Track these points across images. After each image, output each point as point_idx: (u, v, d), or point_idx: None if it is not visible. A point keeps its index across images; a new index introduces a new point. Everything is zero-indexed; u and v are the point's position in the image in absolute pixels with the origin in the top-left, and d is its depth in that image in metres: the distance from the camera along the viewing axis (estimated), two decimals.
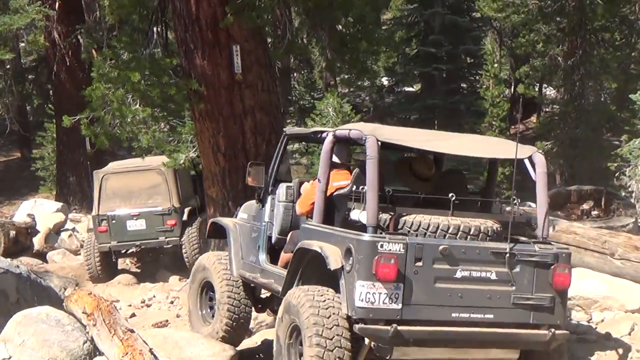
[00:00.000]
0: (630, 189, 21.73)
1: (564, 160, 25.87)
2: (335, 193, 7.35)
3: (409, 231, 6.52)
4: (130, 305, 12.76)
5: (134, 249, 15.87)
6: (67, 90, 21.66)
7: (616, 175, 22.51)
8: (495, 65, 27.80)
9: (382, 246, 6.06)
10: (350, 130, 7.15)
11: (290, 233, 7.89)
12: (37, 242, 18.69)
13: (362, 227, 6.49)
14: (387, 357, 6.37)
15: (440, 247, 6.28)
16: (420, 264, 6.21)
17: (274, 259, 8.10)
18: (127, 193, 15.29)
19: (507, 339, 6.68)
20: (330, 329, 6.21)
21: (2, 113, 27.40)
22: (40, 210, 20.99)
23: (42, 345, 7.53)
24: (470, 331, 6.45)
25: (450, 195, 6.69)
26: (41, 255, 17.83)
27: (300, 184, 8.22)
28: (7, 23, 21.72)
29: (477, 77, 28.23)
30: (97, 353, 7.72)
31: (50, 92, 25.00)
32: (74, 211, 21.41)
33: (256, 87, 11.54)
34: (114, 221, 15.16)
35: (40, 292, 10.01)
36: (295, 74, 17.66)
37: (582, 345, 8.11)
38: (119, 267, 16.09)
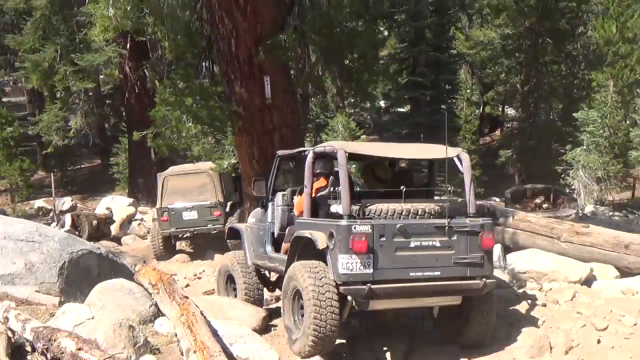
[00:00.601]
0: (572, 187, 21.80)
1: (521, 165, 25.71)
2: (318, 195, 7.80)
3: (373, 216, 7.11)
4: (185, 278, 12.66)
5: (188, 234, 15.86)
6: (136, 112, 21.77)
7: (562, 176, 22.54)
8: (468, 91, 27.71)
9: (355, 228, 6.63)
10: (325, 147, 7.82)
11: (288, 228, 8.14)
12: (114, 229, 18.81)
13: (340, 217, 6.94)
14: (365, 309, 7.01)
15: (397, 226, 6.88)
16: (383, 239, 6.77)
17: (277, 249, 8.39)
18: (183, 190, 15.31)
19: (452, 289, 7.15)
20: (323, 291, 6.70)
21: (86, 130, 27.44)
22: (116, 204, 21.11)
23: (118, 308, 7.46)
24: (424, 285, 6.95)
25: (401, 187, 7.32)
26: (117, 239, 17.91)
27: (292, 192, 8.49)
28: (90, 60, 21.99)
29: (454, 100, 28.05)
30: (160, 314, 7.70)
31: (123, 113, 24.97)
32: (142, 205, 21.50)
33: (282, 109, 11.49)
34: (173, 212, 15.16)
35: (116, 268, 9.93)
36: (312, 98, 17.69)
37: (533, 308, 8.11)
38: (177, 248, 16.13)
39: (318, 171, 7.92)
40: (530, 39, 26.30)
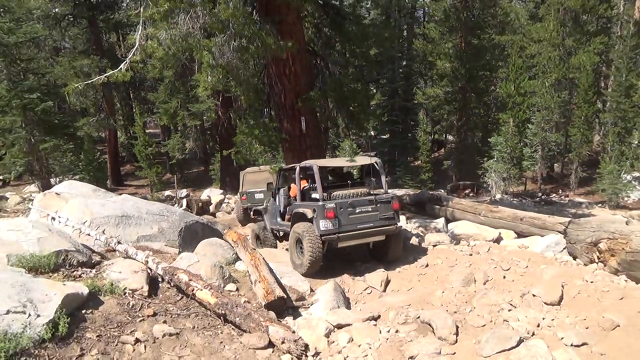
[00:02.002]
0: (488, 183, 21.63)
1: (457, 170, 25.46)
2: (303, 188, 8.57)
3: (335, 198, 7.89)
4: None
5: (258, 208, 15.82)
6: (225, 138, 21.77)
7: (481, 176, 22.37)
8: (424, 125, 27.61)
9: (326, 206, 7.51)
10: (306, 164, 8.36)
11: (288, 207, 8.77)
12: (211, 208, 19.00)
13: (317, 200, 7.77)
14: (336, 247, 7.74)
15: (348, 202, 7.72)
16: (342, 209, 7.62)
17: (282, 219, 9.05)
18: (254, 181, 15.23)
19: (379, 232, 7.91)
20: (314, 238, 7.48)
21: (195, 149, 27.72)
22: (212, 193, 21.27)
23: (213, 256, 7.61)
24: (365, 231, 7.75)
25: (348, 181, 8.67)
26: (213, 214, 18.11)
27: (289, 187, 9.15)
28: (198, 107, 22.24)
29: (416, 131, 27.95)
30: (238, 259, 7.76)
31: (217, 139, 25.14)
32: (228, 194, 21.68)
33: (312, 137, 11.40)
34: (248, 194, 14.93)
35: (212, 231, 10.03)
36: (330, 130, 17.73)
37: (464, 257, 7.99)
38: (251, 217, 16.21)
39: (302, 176, 8.62)
40: (461, 94, 26.09)
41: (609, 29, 26.42)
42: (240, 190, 15.64)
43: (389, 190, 8.65)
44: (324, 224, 7.46)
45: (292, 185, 8.95)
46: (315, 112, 12.01)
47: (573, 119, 23.26)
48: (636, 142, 21.57)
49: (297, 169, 8.43)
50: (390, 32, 15.96)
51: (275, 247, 9.42)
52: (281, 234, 9.54)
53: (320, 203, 7.57)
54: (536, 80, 23.43)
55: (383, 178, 8.39)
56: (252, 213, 11.32)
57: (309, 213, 7.70)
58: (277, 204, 9.34)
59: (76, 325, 4.78)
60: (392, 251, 8.26)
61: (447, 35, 26.02)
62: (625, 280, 6.39)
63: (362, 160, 8.98)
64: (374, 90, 26.00)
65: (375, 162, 8.44)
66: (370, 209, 7.81)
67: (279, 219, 9.24)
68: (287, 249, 8.59)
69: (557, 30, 22.70)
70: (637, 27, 24.44)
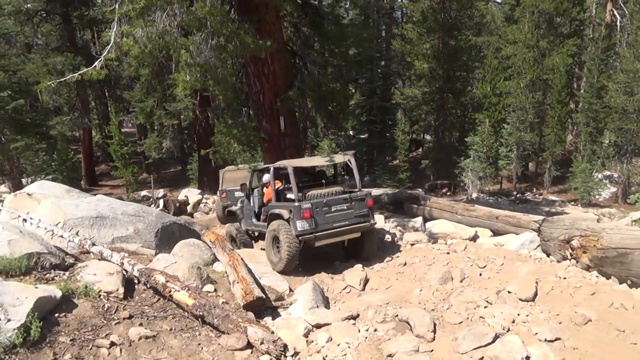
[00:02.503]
0: (465, 182, 21.92)
1: (434, 169, 25.74)
2: (278, 189, 8.55)
3: (310, 198, 7.92)
4: None
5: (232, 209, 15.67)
6: (203, 137, 21.49)
7: (458, 175, 22.67)
8: (403, 124, 27.82)
9: (302, 206, 7.53)
10: (280, 165, 8.38)
11: (263, 208, 8.82)
12: (189, 208, 18.77)
13: (292, 200, 7.83)
14: (313, 246, 7.83)
15: (324, 201, 7.77)
16: (318, 209, 7.66)
17: (258, 220, 9.13)
18: (234, 179, 15.03)
19: (355, 229, 8.00)
20: (291, 237, 7.51)
21: (172, 148, 27.41)
22: (190, 194, 20.96)
23: (191, 256, 7.55)
24: (341, 230, 7.83)
25: (322, 181, 8.57)
26: (191, 215, 17.90)
27: (263, 188, 9.18)
28: (175, 106, 21.97)
29: (394, 130, 28.08)
30: (216, 260, 7.72)
31: (195, 138, 24.86)
32: (206, 194, 21.46)
33: (291, 136, 11.34)
34: (228, 192, 14.85)
35: (190, 232, 9.91)
36: (309, 129, 17.72)
37: (442, 255, 8.02)
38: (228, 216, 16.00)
39: (276, 177, 8.55)
40: (439, 94, 26.42)
41: (582, 32, 27.10)
42: (220, 189, 15.51)
43: (370, 190, 8.85)
44: (301, 224, 7.50)
45: (267, 187, 8.91)
46: (294, 112, 11.97)
47: (547, 119, 23.79)
48: (607, 141, 22.17)
49: (271, 169, 8.46)
50: (368, 32, 16.03)
51: (252, 247, 9.35)
52: (256, 234, 9.58)
53: (296, 204, 7.61)
54: (511, 81, 23.87)
55: (357, 176, 8.49)
56: (226, 214, 11.38)
57: (285, 214, 7.70)
58: (252, 204, 9.45)
59: (49, 329, 4.67)
60: (366, 248, 8.38)
61: (425, 36, 26.28)
62: (597, 276, 6.56)
63: (337, 158, 9.02)
64: (353, 90, 26.11)
65: (349, 160, 8.58)
66: (345, 207, 7.92)
67: (254, 220, 9.30)
68: (262, 249, 8.62)
69: (532, 32, 23.17)
70: (608, 30, 25.15)
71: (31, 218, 7.98)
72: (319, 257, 8.57)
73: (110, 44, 8.76)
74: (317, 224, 7.61)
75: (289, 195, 8.19)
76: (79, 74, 9.22)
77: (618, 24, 25.21)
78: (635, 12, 21.51)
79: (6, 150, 17.93)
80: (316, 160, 9.38)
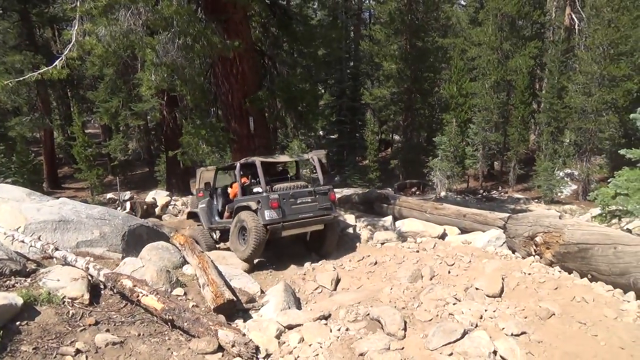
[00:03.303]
0: (433, 181, 22.26)
1: (403, 169, 26.11)
2: (244, 185, 8.96)
3: (277, 190, 8.31)
4: None
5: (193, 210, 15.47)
6: (171, 138, 21.09)
7: (427, 175, 23.02)
8: (372, 125, 28.05)
9: (271, 197, 7.92)
10: (248, 160, 8.80)
11: (227, 205, 9.27)
12: (157, 211, 18.36)
13: (259, 194, 8.22)
14: (280, 236, 8.16)
15: (290, 193, 8.18)
16: (285, 200, 8.04)
17: (221, 217, 9.51)
18: (211, 179, 14.99)
19: (318, 221, 8.41)
20: (259, 227, 7.83)
21: (139, 149, 26.83)
22: (158, 196, 20.44)
23: (160, 260, 7.41)
24: (306, 221, 8.24)
25: (289, 176, 9.45)
26: (159, 217, 17.53)
27: (226, 187, 9.70)
28: (141, 107, 21.52)
29: (364, 130, 28.32)
30: (186, 263, 7.58)
31: (162, 139, 24.39)
32: (174, 196, 21.04)
33: (260, 137, 11.33)
34: (204, 191, 14.79)
35: (158, 234, 9.62)
36: (278, 130, 17.63)
37: (411, 253, 8.11)
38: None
39: (242, 173, 8.95)
40: (407, 95, 26.81)
41: (543, 34, 28.01)
42: (196, 187, 15.32)
43: (331, 186, 9.20)
44: (269, 214, 7.89)
45: (233, 184, 9.37)
46: (264, 112, 11.91)
47: (511, 119, 24.46)
48: (568, 140, 22.97)
49: (237, 166, 8.84)
50: (337, 33, 16.08)
51: (215, 248, 9.29)
52: (218, 234, 9.80)
53: (265, 194, 8.05)
54: (477, 82, 24.43)
55: (320, 170, 9.01)
56: (186, 217, 11.44)
57: (253, 205, 8.11)
58: (215, 203, 9.78)
59: (9, 338, 4.49)
60: (328, 242, 8.79)
61: (392, 37, 26.62)
62: (559, 271, 6.77)
63: (301, 156, 9.84)
64: (322, 91, 26.17)
65: (312, 158, 9.20)
66: (309, 200, 8.36)
67: (217, 218, 9.62)
68: (227, 248, 8.89)
69: (495, 35, 23.78)
70: (567, 33, 26.04)
71: None
72: (290, 256, 8.56)
73: (72, 43, 8.51)
74: (285, 214, 8.01)
75: (256, 189, 8.64)
76: (39, 73, 8.91)
77: (576, 27, 26.16)
78: (592, 16, 22.36)
79: None
80: (282, 158, 9.75)
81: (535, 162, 22.92)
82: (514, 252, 7.99)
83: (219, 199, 9.66)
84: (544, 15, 26.88)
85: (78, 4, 8.32)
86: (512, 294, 6.19)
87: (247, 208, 8.18)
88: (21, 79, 10.06)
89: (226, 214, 9.30)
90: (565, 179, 22.32)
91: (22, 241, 7.19)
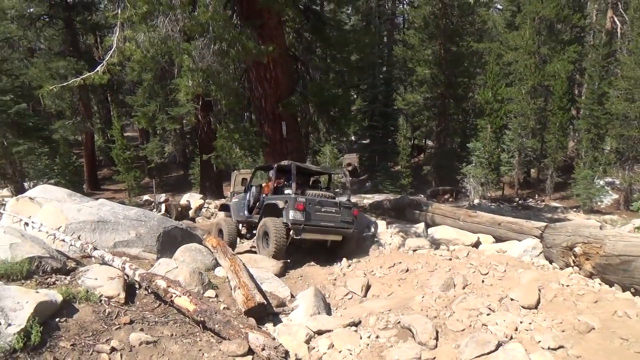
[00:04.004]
0: (466, 188, 21.87)
1: (436, 175, 25.73)
2: (278, 185, 9.48)
3: (306, 195, 8.86)
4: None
5: (225, 202, 15.65)
6: (205, 142, 21.41)
7: (460, 181, 22.63)
8: (404, 130, 27.83)
9: (298, 199, 8.42)
10: (285, 163, 9.23)
11: (258, 202, 9.72)
12: (191, 213, 18.69)
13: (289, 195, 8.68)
14: (300, 237, 8.51)
15: (317, 200, 8.72)
16: (311, 205, 8.55)
17: (250, 213, 9.92)
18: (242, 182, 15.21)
19: (338, 232, 8.91)
20: (278, 228, 8.38)
21: (174, 153, 27.43)
22: (192, 198, 20.89)
23: (193, 261, 7.44)
24: (327, 229, 8.72)
25: (320, 185, 9.99)
26: (192, 219, 17.82)
27: (259, 186, 10.13)
28: (177, 111, 22.00)
29: (396, 136, 28.09)
30: (218, 265, 7.63)
31: (197, 143, 24.88)
32: (208, 198, 21.39)
33: (293, 141, 11.41)
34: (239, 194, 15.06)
35: (192, 236, 9.65)
36: (311, 134, 17.64)
37: (444, 261, 8.01)
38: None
39: (277, 175, 9.43)
40: (440, 100, 26.43)
41: (583, 38, 27.17)
42: (231, 191, 15.56)
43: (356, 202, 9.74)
44: (293, 214, 8.35)
45: (267, 183, 9.86)
46: (296, 117, 11.99)
47: (548, 126, 23.78)
48: (608, 148, 22.15)
49: (275, 166, 9.39)
50: (370, 38, 16.07)
51: (235, 244, 10.04)
52: (244, 228, 10.36)
53: (293, 195, 8.58)
54: (513, 87, 23.89)
55: (349, 186, 9.90)
56: (218, 208, 11.88)
57: (281, 204, 8.62)
58: (248, 198, 10.21)
59: (49, 334, 4.63)
60: (344, 252, 9.18)
61: (426, 42, 26.35)
62: (600, 284, 6.52)
63: (331, 169, 10.22)
64: (355, 96, 26.16)
65: (344, 173, 9.90)
66: (334, 211, 8.83)
67: (246, 212, 10.09)
68: (253, 247, 9.60)
69: (533, 39, 23.20)
70: (609, 37, 25.18)
71: (33, 222, 7.96)
72: (318, 261, 8.59)
73: (113, 49, 8.79)
74: (308, 217, 8.48)
75: (287, 191, 9.11)
76: (82, 79, 9.25)
77: (619, 30, 25.27)
78: (635, 19, 21.56)
79: (8, 154, 17.96)
80: (316, 168, 10.36)
81: (574, 169, 22.20)
82: (551, 262, 7.75)
83: (252, 195, 10.10)
84: (584, 18, 26.08)
85: (119, 11, 8.60)
86: (549, 306, 5.99)
87: (275, 206, 8.72)
88: (65, 84, 10.48)
89: (255, 210, 9.82)
90: (606, 187, 21.50)
91: (63, 240, 7.44)
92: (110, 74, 9.31)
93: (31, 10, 25.04)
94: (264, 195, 9.65)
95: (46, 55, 25.68)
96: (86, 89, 24.32)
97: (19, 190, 17.66)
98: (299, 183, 9.19)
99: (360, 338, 5.56)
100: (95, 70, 8.91)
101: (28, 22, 24.79)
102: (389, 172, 26.12)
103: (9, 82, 18.59)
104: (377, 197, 17.24)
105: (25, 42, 27.67)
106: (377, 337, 5.55)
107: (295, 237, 8.52)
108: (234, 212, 10.39)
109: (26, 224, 8.00)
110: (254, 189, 10.08)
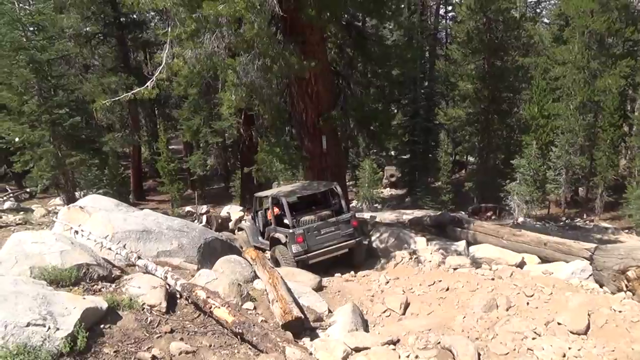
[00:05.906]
0: (510, 206, 21.23)
1: (478, 191, 25.10)
2: (277, 214, 10.05)
3: (303, 222, 9.51)
4: None
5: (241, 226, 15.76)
6: (246, 155, 21.79)
7: (504, 199, 21.99)
8: (446, 146, 27.37)
9: (296, 232, 9.19)
10: (276, 196, 9.95)
11: (266, 228, 10.40)
12: (231, 225, 18.94)
13: (288, 226, 9.38)
14: (308, 264, 9.08)
15: (314, 226, 9.40)
16: (309, 233, 9.24)
17: (262, 237, 10.64)
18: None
19: (342, 247, 9.52)
20: (288, 258, 9.18)
21: (217, 166, 27.97)
22: (232, 210, 21.27)
23: (232, 273, 7.52)
24: (330, 249, 9.42)
25: (312, 207, 10.19)
26: (232, 231, 18.01)
27: (266, 210, 10.61)
28: (220, 125, 22.52)
29: (437, 151, 27.68)
30: (256, 278, 7.66)
31: (239, 156, 25.34)
32: (247, 211, 21.66)
33: (332, 155, 11.46)
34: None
35: (231, 248, 9.79)
36: (350, 149, 17.64)
37: (486, 281, 7.77)
38: None
39: (274, 205, 10.08)
40: (484, 115, 25.88)
41: (636, 52, 26.00)
42: (253, 210, 15.65)
43: (354, 212, 10.61)
44: (295, 248, 9.11)
45: (269, 210, 10.45)
46: (336, 132, 12.05)
47: (598, 142, 22.80)
48: None
49: (270, 198, 10.08)
50: (412, 53, 16.00)
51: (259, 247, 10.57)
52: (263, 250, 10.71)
53: (291, 230, 9.22)
54: (560, 103, 23.10)
55: (343, 200, 10.07)
56: (236, 231, 12.56)
57: (283, 238, 9.39)
58: (257, 224, 10.95)
59: (94, 339, 4.78)
60: (355, 259, 9.92)
61: (469, 56, 25.96)
62: None
63: (324, 185, 10.45)
64: (395, 111, 25.99)
65: (335, 186, 10.07)
66: (333, 229, 9.43)
67: (260, 238, 10.77)
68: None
69: (582, 53, 22.42)
70: None
71: (82, 230, 8.28)
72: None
73: (162, 65, 9.12)
74: (309, 245, 9.18)
75: (285, 221, 9.57)
76: (132, 93, 9.63)
77: None
78: None
79: (62, 165, 18.82)
80: (308, 187, 10.70)
81: (626, 189, 21.12)
82: (601, 286, 7.38)
83: (259, 221, 10.90)
84: (638, 32, 24.99)
85: (169, 29, 8.95)
86: (599, 332, 5.68)
87: (279, 240, 9.50)
88: (116, 98, 10.96)
89: (266, 235, 10.46)
90: None
91: (109, 248, 7.69)
92: (158, 89, 9.65)
93: (87, 29, 26.37)
94: (269, 220, 10.36)
95: (99, 71, 26.89)
96: (135, 103, 25.26)
97: (70, 199, 18.45)
98: (295, 209, 9.90)
99: (399, 357, 5.44)
100: (145, 86, 9.26)
101: (84, 40, 26.09)
102: (429, 188, 25.72)
103: (65, 97, 19.53)
104: (417, 213, 16.96)
105: (81, 59, 29.07)
106: (417, 357, 5.42)
107: (303, 265, 9.09)
108: (250, 236, 11.13)
109: (76, 232, 8.33)
110: (259, 214, 10.91)
